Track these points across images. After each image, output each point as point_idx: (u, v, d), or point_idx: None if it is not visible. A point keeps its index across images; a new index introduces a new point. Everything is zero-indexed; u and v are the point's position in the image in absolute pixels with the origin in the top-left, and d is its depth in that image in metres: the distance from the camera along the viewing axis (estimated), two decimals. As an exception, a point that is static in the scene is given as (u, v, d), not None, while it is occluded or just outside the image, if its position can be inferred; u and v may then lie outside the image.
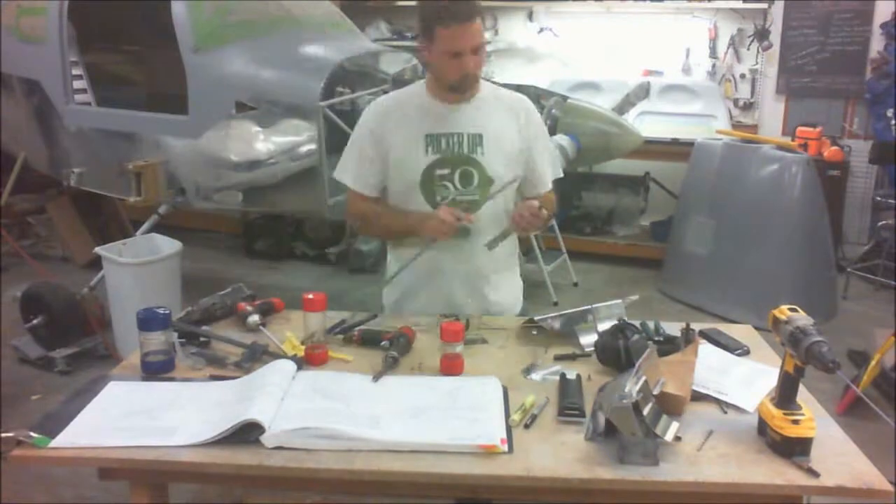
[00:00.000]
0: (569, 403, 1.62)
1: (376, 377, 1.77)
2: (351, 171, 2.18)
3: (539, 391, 1.72)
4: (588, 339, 1.97)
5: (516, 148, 2.14)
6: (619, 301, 2.09)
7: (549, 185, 2.27)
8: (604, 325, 1.98)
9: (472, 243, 2.13)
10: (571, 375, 1.76)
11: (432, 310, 2.17)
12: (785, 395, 1.52)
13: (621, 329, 1.85)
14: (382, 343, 1.95)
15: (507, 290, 2.29)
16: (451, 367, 1.80)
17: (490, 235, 2.10)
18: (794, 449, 1.46)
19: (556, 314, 2.05)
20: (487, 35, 6.31)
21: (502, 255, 2.22)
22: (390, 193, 2.19)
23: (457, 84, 2.03)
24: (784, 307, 1.59)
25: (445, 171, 2.09)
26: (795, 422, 1.48)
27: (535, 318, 2.06)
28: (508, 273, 2.30)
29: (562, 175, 2.32)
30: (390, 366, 1.83)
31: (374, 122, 2.14)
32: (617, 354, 1.81)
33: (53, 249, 5.43)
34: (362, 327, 2.05)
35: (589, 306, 2.05)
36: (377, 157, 2.13)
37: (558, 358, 1.92)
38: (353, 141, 2.19)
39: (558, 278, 4.90)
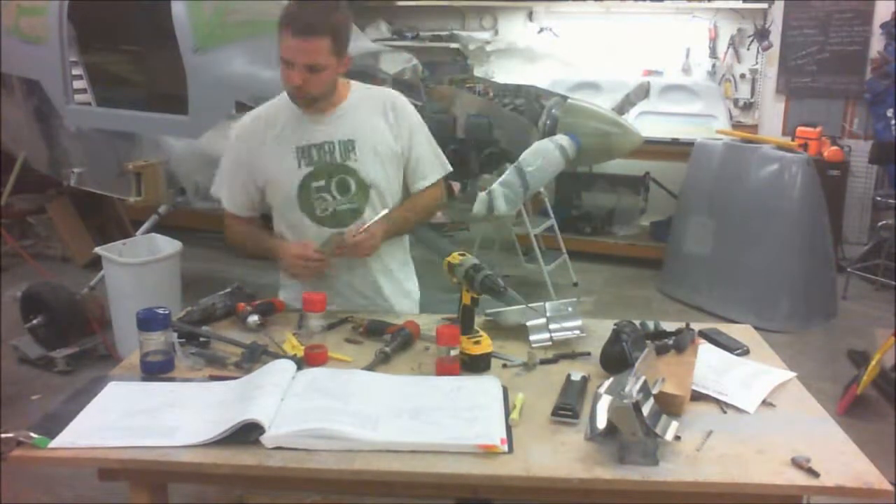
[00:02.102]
0: (562, 404, 1.62)
1: (366, 370, 1.78)
2: (226, 192, 2.17)
3: (539, 390, 1.72)
4: (539, 336, 1.96)
5: (391, 148, 2.08)
6: (574, 300, 2.09)
7: (430, 180, 2.17)
8: (556, 325, 1.97)
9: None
10: (576, 377, 1.76)
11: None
12: (466, 324, 1.85)
13: (619, 332, 1.84)
14: (385, 336, 1.95)
15: (409, 289, 2.28)
16: (447, 370, 1.80)
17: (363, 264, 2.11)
18: (479, 365, 1.80)
19: (508, 308, 2.03)
20: (487, 35, 6.32)
21: (394, 259, 2.22)
22: (272, 209, 2.16)
23: (290, 96, 1.99)
24: (455, 253, 1.89)
25: (321, 183, 2.05)
26: (477, 343, 1.82)
27: (488, 311, 2.05)
28: (405, 271, 2.28)
29: (450, 169, 2.23)
30: (381, 361, 1.84)
31: (243, 146, 2.10)
32: (619, 359, 1.79)
33: (53, 249, 5.43)
34: (370, 318, 2.05)
35: (541, 303, 2.03)
36: (249, 180, 2.11)
37: (557, 357, 1.91)
38: (224, 163, 2.16)
39: (558, 278, 4.91)
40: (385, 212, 2.08)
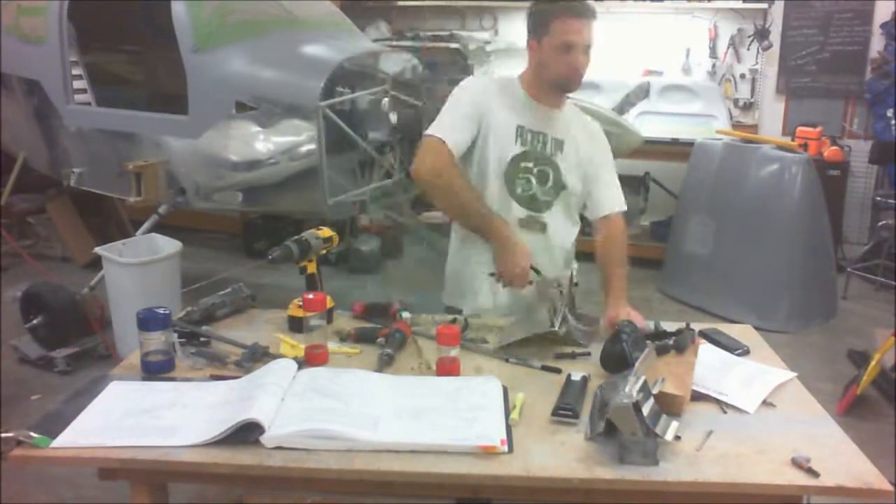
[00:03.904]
0: (563, 404, 1.62)
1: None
2: (446, 124, 2.09)
3: (539, 390, 1.72)
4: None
5: (584, 164, 2.20)
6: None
7: (611, 209, 2.23)
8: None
9: (547, 238, 2.18)
10: (577, 377, 1.76)
11: (496, 307, 2.20)
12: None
13: (619, 332, 1.85)
14: (378, 340, 1.95)
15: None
16: (447, 370, 1.80)
17: (559, 234, 2.18)
18: (298, 326, 1.96)
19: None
20: (487, 35, 6.32)
21: (570, 256, 2.27)
22: (472, 174, 2.16)
23: (564, 81, 2.09)
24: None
25: (529, 165, 2.14)
26: (299, 306, 1.97)
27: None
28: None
29: (625, 209, 2.26)
30: (386, 363, 1.84)
31: (479, 92, 2.16)
32: (619, 359, 1.79)
33: (53, 249, 5.43)
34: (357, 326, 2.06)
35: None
36: (474, 121, 2.11)
37: (558, 357, 1.91)
38: (453, 101, 2.14)
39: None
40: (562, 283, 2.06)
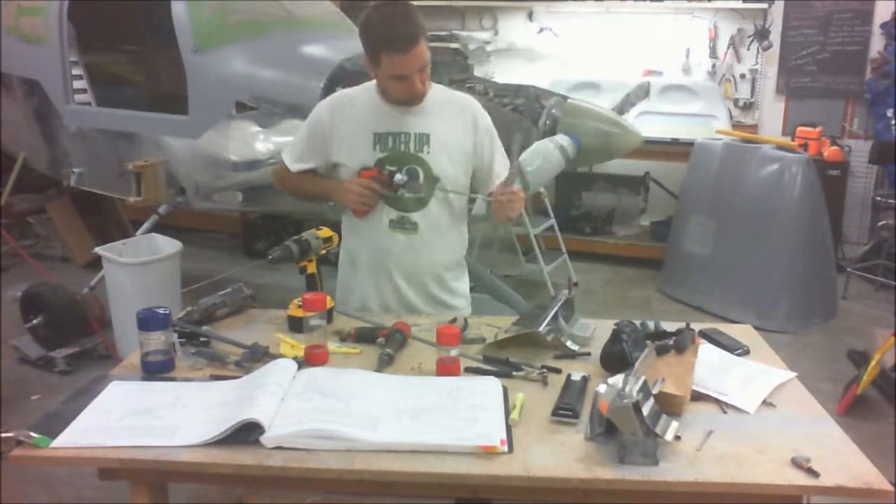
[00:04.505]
0: (563, 404, 1.62)
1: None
2: (289, 148, 2.26)
3: (539, 390, 1.72)
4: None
5: (464, 147, 2.16)
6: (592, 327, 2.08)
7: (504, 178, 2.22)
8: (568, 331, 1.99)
9: (420, 238, 2.15)
10: (577, 377, 1.76)
11: (381, 307, 2.21)
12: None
13: (619, 332, 1.85)
14: (378, 340, 1.95)
15: (457, 289, 2.29)
16: (447, 370, 1.80)
17: (435, 233, 2.16)
18: (298, 326, 1.96)
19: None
20: (487, 35, 6.32)
21: (453, 254, 2.25)
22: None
23: (406, 99, 2.08)
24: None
25: (392, 169, 2.11)
26: (299, 306, 1.98)
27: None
28: (459, 271, 2.31)
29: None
30: (386, 363, 1.84)
31: (322, 113, 2.19)
32: (619, 359, 1.79)
33: (53, 249, 5.43)
34: (359, 325, 2.05)
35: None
36: (314, 143, 2.18)
37: (558, 357, 1.91)
38: (306, 125, 2.24)
39: (558, 278, 4.90)
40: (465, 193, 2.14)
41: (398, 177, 2.09)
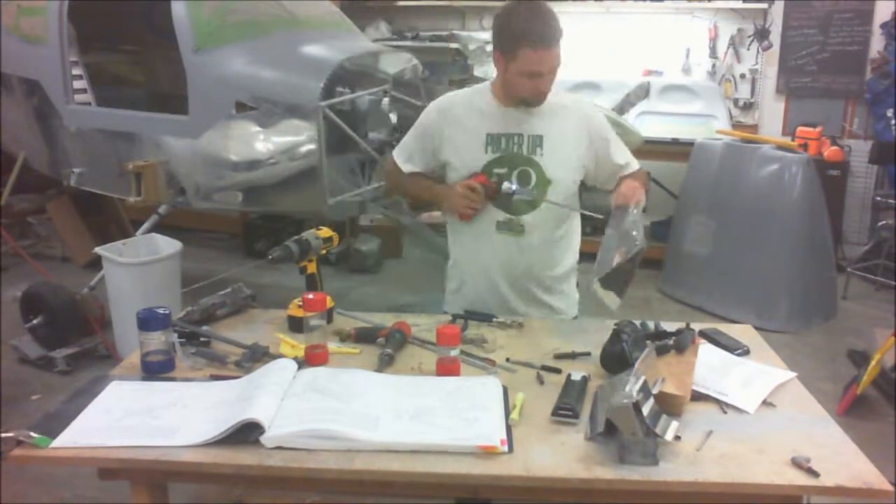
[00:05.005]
0: (562, 404, 1.62)
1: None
2: (401, 146, 2.28)
3: (539, 390, 1.72)
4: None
5: (577, 150, 2.16)
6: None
7: (628, 170, 2.25)
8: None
9: (526, 240, 2.15)
10: (577, 377, 1.76)
11: (486, 308, 2.19)
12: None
13: (619, 332, 1.84)
14: (378, 340, 1.95)
15: (562, 294, 2.28)
16: (447, 370, 1.80)
17: (542, 235, 2.16)
18: (298, 326, 1.96)
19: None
20: (487, 35, 6.32)
21: (561, 257, 2.25)
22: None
23: (529, 100, 2.08)
24: None
25: (503, 171, 2.12)
26: (299, 306, 1.98)
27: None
28: (565, 278, 2.29)
29: (638, 167, 2.29)
30: (386, 363, 1.84)
31: (434, 113, 2.20)
32: (619, 359, 1.79)
33: (53, 249, 5.43)
34: (359, 325, 2.05)
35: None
36: (426, 143, 2.20)
37: (558, 357, 1.91)
38: (416, 126, 2.26)
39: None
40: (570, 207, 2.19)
41: (506, 185, 2.09)
